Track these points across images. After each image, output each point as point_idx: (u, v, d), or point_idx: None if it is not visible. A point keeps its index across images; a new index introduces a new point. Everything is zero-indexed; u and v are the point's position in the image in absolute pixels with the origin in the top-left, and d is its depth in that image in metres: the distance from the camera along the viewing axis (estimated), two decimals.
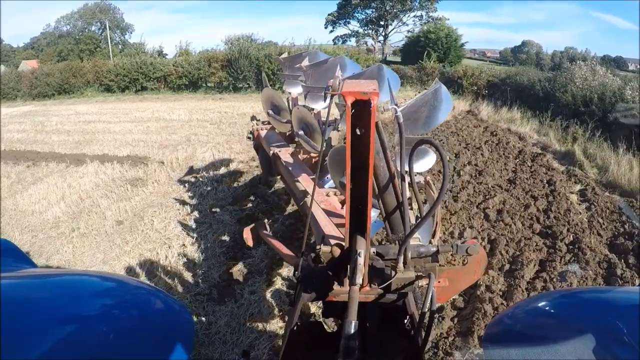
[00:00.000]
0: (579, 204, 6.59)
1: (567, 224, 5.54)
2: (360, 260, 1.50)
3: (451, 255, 1.98)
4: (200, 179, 7.40)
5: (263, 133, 4.64)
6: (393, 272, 1.64)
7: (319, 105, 3.72)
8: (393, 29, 40.66)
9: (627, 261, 4.74)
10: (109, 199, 6.76)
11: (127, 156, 9.53)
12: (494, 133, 11.19)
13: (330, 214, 2.48)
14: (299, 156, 3.74)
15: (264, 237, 2.82)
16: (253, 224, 2.91)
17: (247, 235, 2.87)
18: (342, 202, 2.59)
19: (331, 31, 43.08)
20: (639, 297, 1.15)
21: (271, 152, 3.95)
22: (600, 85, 12.94)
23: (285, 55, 5.00)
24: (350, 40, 42.29)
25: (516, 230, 5.29)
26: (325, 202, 2.62)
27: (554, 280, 4.16)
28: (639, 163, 8.54)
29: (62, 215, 6.42)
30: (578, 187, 7.36)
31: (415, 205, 2.11)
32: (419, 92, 2.57)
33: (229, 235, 5.21)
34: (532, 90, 14.77)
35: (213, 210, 6.07)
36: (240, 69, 22.50)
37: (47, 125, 16.22)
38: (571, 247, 4.91)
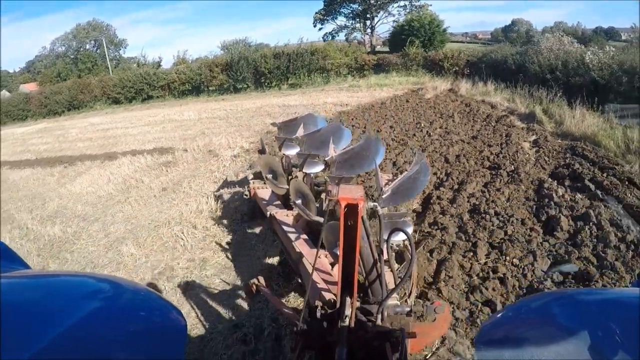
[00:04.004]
0: (530, 149, 8.09)
1: (513, 161, 7.05)
2: (348, 306, 1.97)
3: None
4: (220, 157, 9.01)
5: (259, 192, 4.98)
6: (373, 325, 2.06)
7: (314, 170, 4.00)
8: (379, 20, 42.18)
9: (563, 183, 6.13)
10: (150, 176, 8.39)
11: (154, 149, 11.12)
12: (468, 104, 12.72)
13: (322, 272, 2.91)
14: (294, 219, 4.00)
15: (264, 293, 3.07)
16: (255, 279, 3.15)
17: (247, 290, 3.13)
18: (332, 264, 3.02)
19: (320, 29, 44.69)
20: (634, 297, 1.16)
21: (268, 213, 4.27)
22: (564, 54, 14.42)
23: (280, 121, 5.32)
24: (339, 35, 43.76)
25: (469, 166, 6.84)
26: (318, 263, 2.96)
27: (491, 192, 5.69)
28: (590, 114, 10.05)
29: (113, 192, 8.02)
30: (533, 137, 8.86)
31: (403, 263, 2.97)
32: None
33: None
34: (505, 64, 16.28)
35: (234, 176, 7.65)
36: (239, 71, 24.14)
37: (67, 136, 17.60)
38: (511, 173, 6.43)
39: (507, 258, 4.05)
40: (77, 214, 7.26)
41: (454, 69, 19.85)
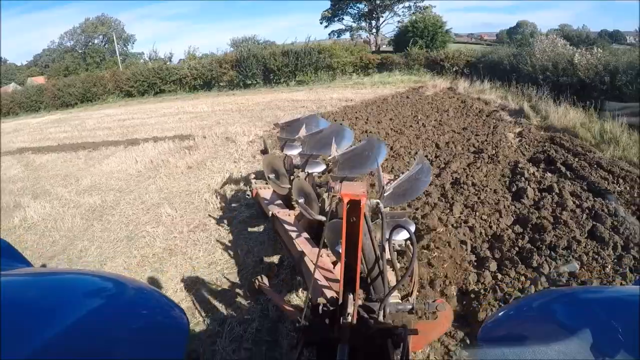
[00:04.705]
0: (514, 139, 9.06)
1: (496, 147, 8.03)
2: (350, 303, 1.97)
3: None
4: (238, 143, 10.04)
5: (261, 192, 5.00)
6: (375, 322, 2.04)
7: (316, 170, 4.04)
8: (384, 20, 43.33)
9: (538, 166, 7.08)
10: (174, 158, 9.42)
11: (174, 136, 12.12)
12: (464, 101, 13.70)
13: (323, 271, 2.91)
14: (296, 219, 4.01)
15: (265, 291, 3.12)
16: (259, 276, 3.25)
17: (254, 286, 3.24)
18: (334, 263, 3.06)
19: (326, 27, 45.95)
20: (636, 296, 1.18)
21: (270, 212, 4.26)
22: (556, 55, 15.39)
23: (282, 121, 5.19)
24: (344, 34, 44.97)
25: (456, 151, 7.84)
26: (320, 262, 2.92)
27: (472, 170, 6.67)
28: (573, 110, 10.99)
29: (142, 170, 9.03)
30: (518, 129, 9.85)
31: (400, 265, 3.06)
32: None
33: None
34: (501, 65, 17.24)
35: (252, 157, 8.68)
36: (249, 67, 25.31)
37: (85, 126, 18.21)
38: (492, 156, 7.41)
39: (477, 214, 5.06)
40: (111, 187, 8.24)
41: (454, 69, 20.88)
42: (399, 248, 2.86)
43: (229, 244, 5.11)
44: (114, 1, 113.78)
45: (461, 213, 5.14)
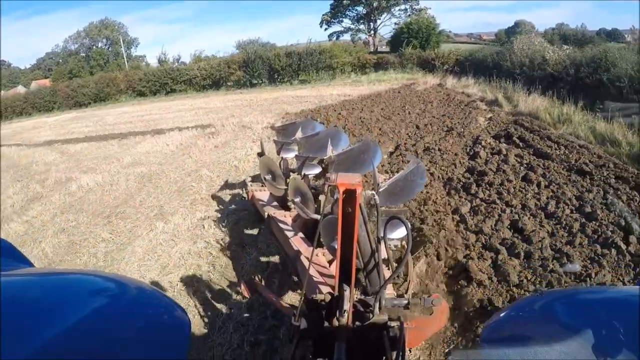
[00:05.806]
0: (484, 122, 10.86)
1: (465, 127, 9.85)
2: (346, 298, 1.98)
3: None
4: (254, 129, 11.91)
5: (257, 194, 5.07)
6: (371, 315, 2.06)
7: (312, 172, 4.02)
8: (382, 22, 45.48)
9: (499, 140, 8.92)
10: (201, 140, 11.29)
11: (195, 125, 14.01)
12: (448, 94, 15.57)
13: (319, 269, 2.93)
14: (292, 220, 4.03)
15: (261, 289, 3.17)
16: (249, 279, 3.30)
17: (244, 287, 3.22)
18: (330, 262, 3.04)
19: (326, 29, 48.17)
20: (637, 296, 1.18)
21: (266, 214, 4.32)
22: (532, 52, 17.26)
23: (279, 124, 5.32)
24: (343, 36, 47.13)
25: (432, 131, 9.68)
26: (316, 260, 2.96)
27: (441, 142, 8.51)
28: (540, 98, 12.82)
29: (175, 150, 10.87)
30: (490, 115, 11.65)
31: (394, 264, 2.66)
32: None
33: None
34: (485, 62, 19.12)
35: (266, 139, 10.50)
36: (255, 68, 27.39)
37: (106, 121, 19.61)
38: (460, 133, 9.24)
39: (438, 166, 6.90)
40: (152, 162, 9.89)
41: (444, 67, 22.80)
42: (394, 248, 2.79)
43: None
44: (116, 4, 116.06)
45: (425, 166, 6.98)
